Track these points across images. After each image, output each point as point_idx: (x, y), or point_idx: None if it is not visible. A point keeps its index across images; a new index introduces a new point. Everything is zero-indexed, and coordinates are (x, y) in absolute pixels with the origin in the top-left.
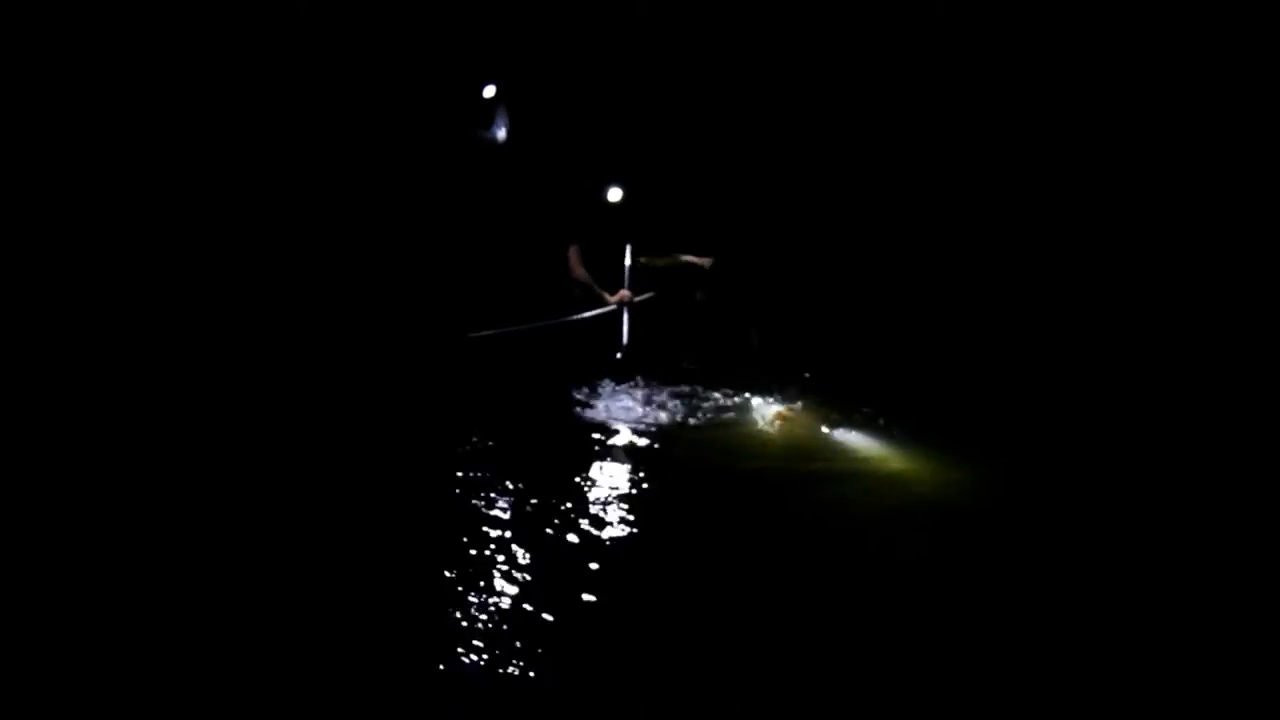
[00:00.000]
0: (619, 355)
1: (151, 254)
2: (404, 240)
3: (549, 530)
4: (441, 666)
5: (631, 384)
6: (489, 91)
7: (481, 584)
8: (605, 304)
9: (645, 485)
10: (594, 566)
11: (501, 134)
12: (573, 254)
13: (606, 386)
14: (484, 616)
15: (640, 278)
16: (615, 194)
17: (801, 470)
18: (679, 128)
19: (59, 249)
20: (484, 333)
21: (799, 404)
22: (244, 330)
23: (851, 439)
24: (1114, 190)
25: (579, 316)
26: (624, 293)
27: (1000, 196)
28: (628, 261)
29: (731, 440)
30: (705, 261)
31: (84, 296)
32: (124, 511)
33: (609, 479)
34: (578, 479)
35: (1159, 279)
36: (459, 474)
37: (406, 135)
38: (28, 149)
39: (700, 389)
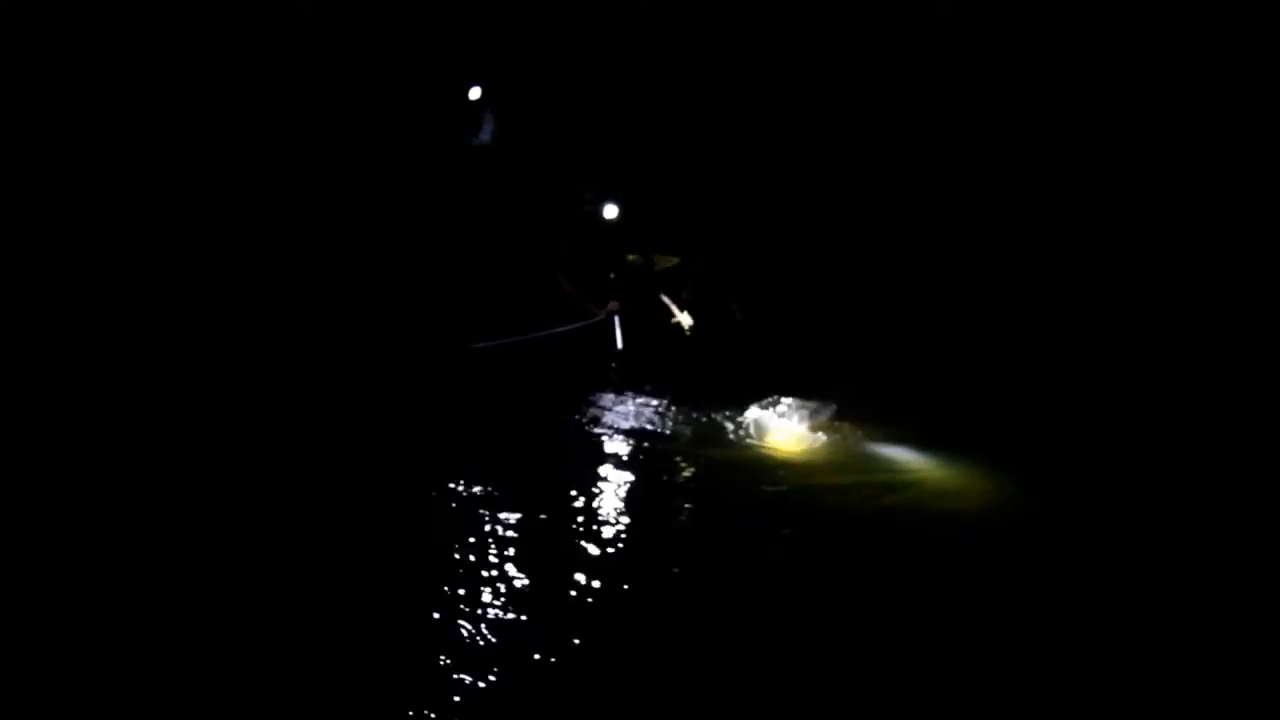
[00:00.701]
0: (614, 364)
1: (148, 260)
2: (391, 248)
3: (558, 546)
4: (441, 671)
5: (630, 393)
6: (475, 93)
7: (481, 595)
8: (594, 316)
9: (657, 502)
10: (600, 583)
11: (487, 137)
12: (555, 265)
13: (605, 397)
14: (485, 625)
15: (631, 286)
16: (611, 211)
17: (835, 485)
18: (676, 127)
19: (59, 251)
20: (483, 344)
21: (824, 412)
22: (237, 339)
23: (887, 450)
24: (1131, 193)
25: (570, 328)
26: (614, 304)
27: (1021, 199)
28: (612, 276)
29: (750, 452)
30: (686, 322)
31: (81, 301)
32: (124, 517)
33: (616, 496)
34: (582, 495)
35: (1185, 281)
36: (458, 488)
37: (392, 139)
38: (29, 149)
39: (704, 396)
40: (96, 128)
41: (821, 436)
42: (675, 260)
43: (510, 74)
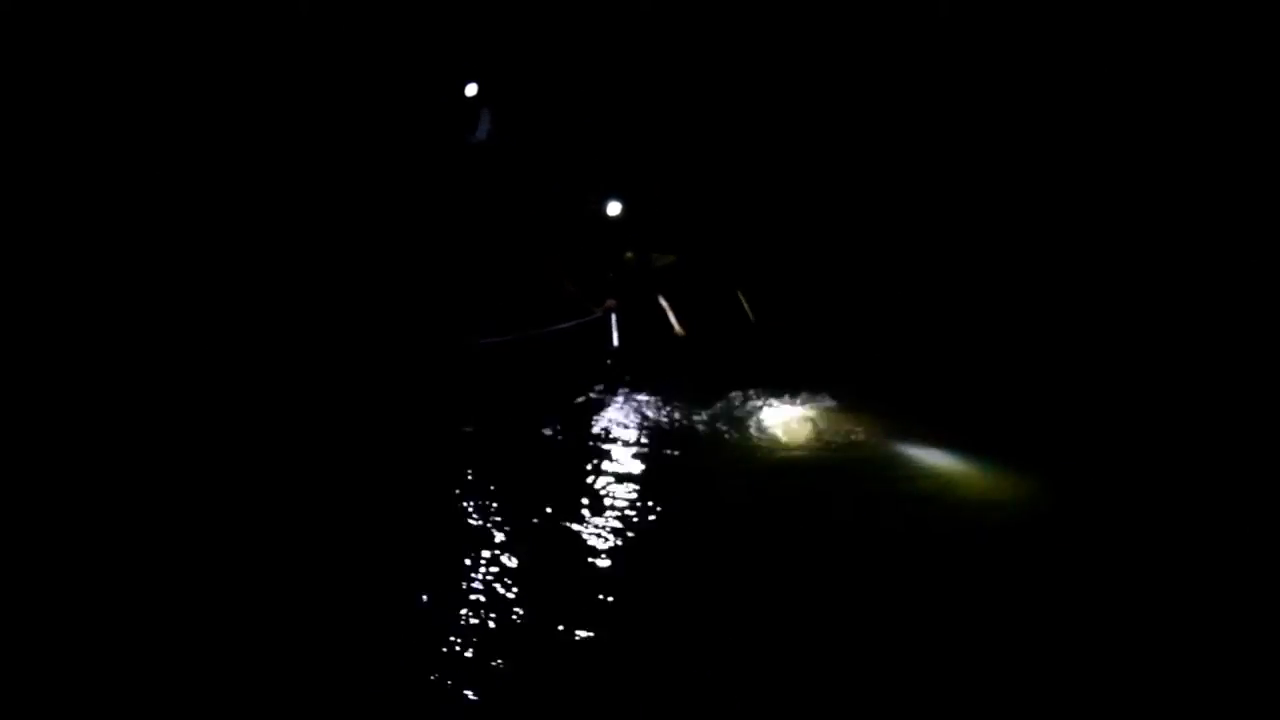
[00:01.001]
0: (609, 360)
1: (153, 259)
2: (391, 246)
3: (559, 546)
4: (443, 668)
5: (630, 390)
6: (471, 90)
7: (481, 592)
8: (592, 314)
9: (661, 503)
10: (603, 584)
11: (484, 135)
12: (558, 266)
13: (604, 394)
14: (486, 621)
15: (628, 284)
16: (615, 208)
17: (853, 486)
18: (676, 124)
19: (60, 251)
20: (486, 341)
21: (836, 409)
22: (235, 334)
23: (908, 450)
24: (1133, 188)
25: (568, 325)
26: (611, 301)
27: (1023, 195)
28: (610, 274)
29: (758, 451)
30: (679, 329)
31: (86, 301)
32: (126, 516)
33: (618, 498)
34: (582, 496)
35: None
36: (458, 487)
37: (387, 139)
38: (31, 150)
39: (708, 394)
40: (97, 127)
41: (837, 435)
42: (672, 258)
43: (507, 71)
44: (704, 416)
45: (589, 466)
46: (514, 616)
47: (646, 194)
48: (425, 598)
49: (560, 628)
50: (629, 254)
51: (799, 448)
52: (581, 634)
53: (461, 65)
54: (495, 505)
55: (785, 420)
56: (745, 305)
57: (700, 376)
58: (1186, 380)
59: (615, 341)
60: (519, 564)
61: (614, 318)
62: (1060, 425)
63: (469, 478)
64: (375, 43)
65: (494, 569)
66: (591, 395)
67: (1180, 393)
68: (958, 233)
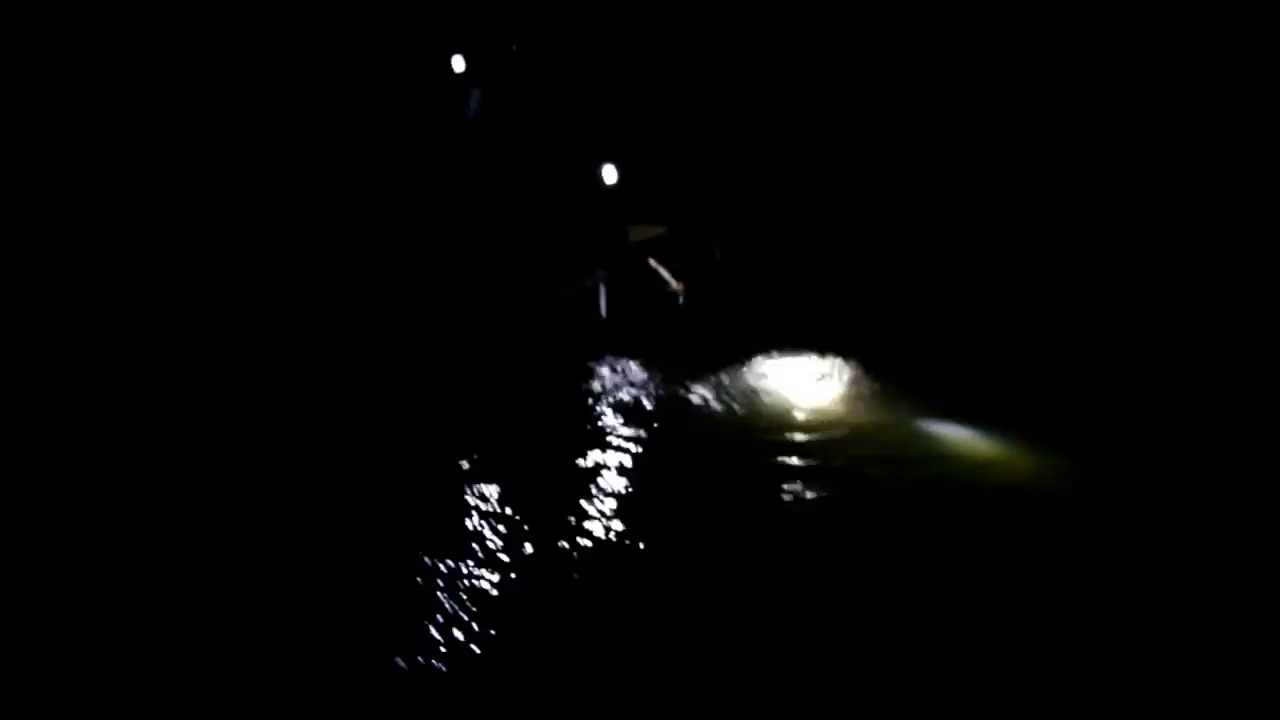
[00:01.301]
0: (598, 331)
1: (148, 251)
2: (379, 225)
3: (552, 527)
4: (437, 659)
5: (618, 360)
6: (458, 64)
7: (476, 580)
8: (583, 284)
9: (664, 476)
10: (608, 568)
11: (472, 113)
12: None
13: (597, 367)
14: (479, 610)
15: (615, 255)
16: (611, 175)
17: (866, 462)
18: (672, 100)
19: (61, 249)
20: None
21: (848, 377)
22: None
23: (931, 426)
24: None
25: (559, 298)
26: (601, 273)
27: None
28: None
29: (763, 420)
30: (677, 288)
31: (87, 296)
32: (125, 511)
33: (610, 476)
34: (575, 474)
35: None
36: (453, 470)
37: (375, 118)
38: (29, 149)
39: (701, 361)
40: (97, 120)
41: (847, 409)
42: (662, 229)
43: (495, 44)
44: (700, 389)
45: (581, 445)
46: (507, 604)
47: (637, 164)
48: (417, 584)
49: (555, 616)
50: (609, 226)
51: (803, 423)
52: (576, 622)
53: (450, 40)
54: (488, 489)
55: (789, 392)
56: (715, 252)
57: (694, 347)
58: (1229, 351)
59: (603, 312)
60: (512, 553)
61: (602, 289)
62: (1096, 396)
63: (460, 460)
64: (373, 32)
65: (486, 556)
66: (581, 367)
67: (1223, 363)
68: (969, 212)
